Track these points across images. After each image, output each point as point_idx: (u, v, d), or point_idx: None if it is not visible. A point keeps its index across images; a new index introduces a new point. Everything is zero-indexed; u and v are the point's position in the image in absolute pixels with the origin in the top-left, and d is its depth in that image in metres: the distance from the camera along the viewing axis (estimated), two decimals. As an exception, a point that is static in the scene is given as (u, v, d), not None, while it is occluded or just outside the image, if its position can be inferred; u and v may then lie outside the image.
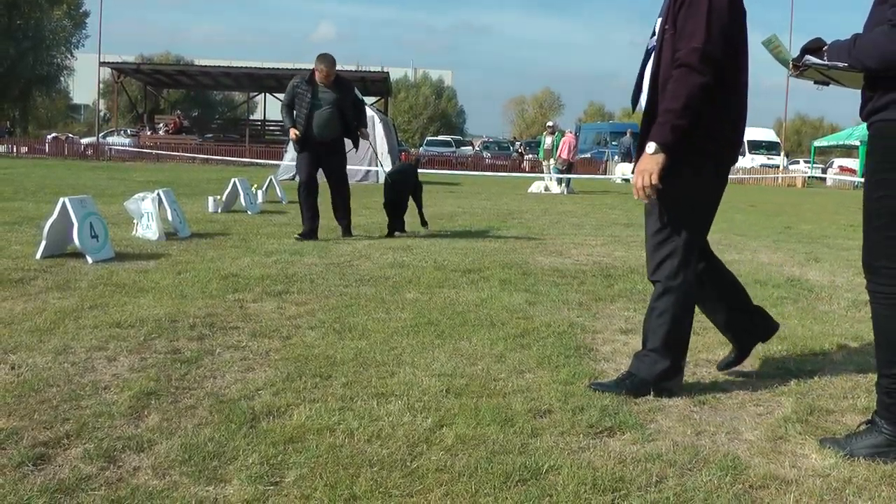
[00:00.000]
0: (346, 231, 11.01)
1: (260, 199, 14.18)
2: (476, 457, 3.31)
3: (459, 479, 3.09)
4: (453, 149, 55.72)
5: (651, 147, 3.99)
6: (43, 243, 8.01)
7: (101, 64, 49.39)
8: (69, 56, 64.58)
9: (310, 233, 10.48)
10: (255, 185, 14.52)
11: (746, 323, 4.63)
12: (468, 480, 3.08)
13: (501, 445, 3.45)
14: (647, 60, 4.33)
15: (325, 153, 10.71)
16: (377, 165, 26.59)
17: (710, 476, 3.21)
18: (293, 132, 10.57)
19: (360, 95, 11.35)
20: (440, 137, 63.58)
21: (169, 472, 3.09)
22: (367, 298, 6.45)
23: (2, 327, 5.21)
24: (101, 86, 57.99)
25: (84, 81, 72.18)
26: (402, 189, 11.19)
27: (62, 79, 66.82)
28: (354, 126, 10.93)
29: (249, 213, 13.37)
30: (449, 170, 38.72)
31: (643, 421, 3.84)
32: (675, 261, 4.21)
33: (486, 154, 54.39)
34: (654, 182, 4.00)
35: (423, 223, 11.75)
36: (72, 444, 3.37)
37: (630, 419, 3.82)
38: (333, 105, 10.59)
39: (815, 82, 3.93)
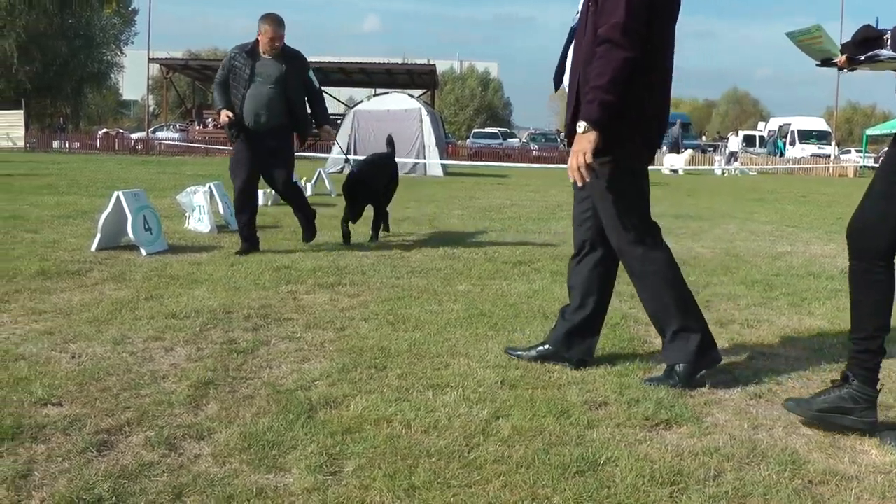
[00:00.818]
0: (311, 234, 8.96)
1: (309, 192, 14.23)
2: (533, 448, 3.30)
3: (517, 471, 3.09)
4: (500, 141, 55.61)
5: (581, 126, 3.96)
6: (98, 236, 8.13)
7: (151, 60, 49.93)
8: (119, 53, 65.40)
9: (247, 250, 8.25)
10: (304, 178, 14.58)
11: (583, 331, 4.53)
12: (526, 472, 3.08)
13: (558, 437, 3.44)
14: (571, 40, 4.31)
15: (261, 149, 8.30)
16: (424, 157, 26.55)
17: (769, 471, 3.17)
18: (224, 114, 8.16)
19: (316, 82, 8.76)
20: (487, 129, 63.40)
21: (229, 460, 3.12)
22: (419, 290, 6.46)
23: (61, 317, 5.30)
24: (150, 82, 58.65)
25: (133, 77, 72.97)
26: (367, 185, 9.00)
27: (112, 75, 67.72)
28: (303, 115, 8.51)
29: (299, 205, 13.40)
30: (496, 162, 38.61)
31: (699, 414, 3.80)
32: (642, 247, 4.24)
33: (533, 146, 54.17)
34: (588, 161, 3.97)
35: (377, 231, 9.43)
36: (133, 431, 3.42)
37: (686, 412, 3.78)
38: (277, 84, 8.20)
39: (840, 68, 3.82)
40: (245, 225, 8.29)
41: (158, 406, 3.69)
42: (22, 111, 44.11)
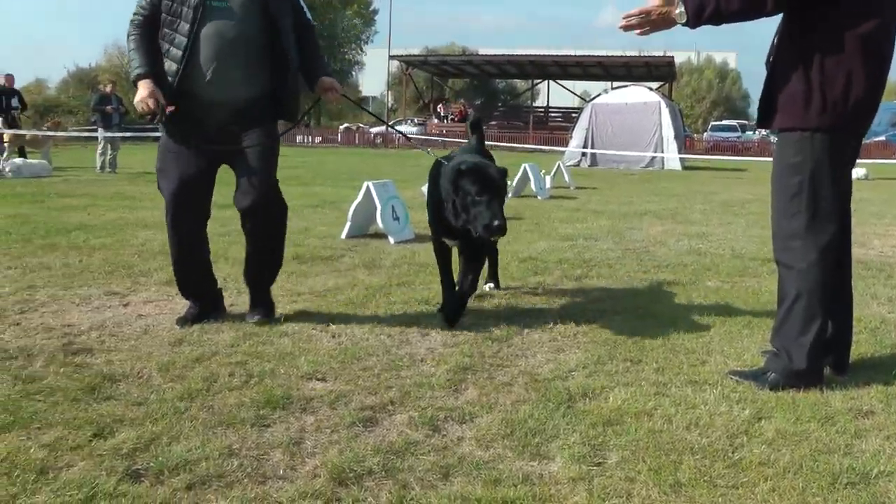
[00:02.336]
0: (264, 309, 4.98)
1: (548, 185, 14.24)
2: (799, 454, 3.13)
3: (785, 476, 2.93)
4: (739, 134, 53.53)
5: (678, 9, 3.75)
6: (348, 224, 8.44)
7: (391, 57, 51.65)
8: (359, 52, 67.91)
9: (197, 315, 4.89)
10: (543, 171, 14.62)
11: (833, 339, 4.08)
12: (794, 477, 2.92)
13: (825, 444, 3.24)
14: None
15: (218, 142, 4.69)
16: (662, 151, 26.03)
17: None
18: (146, 89, 4.48)
19: (307, 13, 5.09)
20: (725, 122, 61.08)
21: (492, 445, 3.13)
22: (668, 285, 6.29)
23: (318, 299, 5.53)
24: (389, 78, 60.63)
25: (372, 74, 75.57)
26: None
27: (353, 73, 70.37)
28: (293, 79, 4.85)
29: (539, 198, 13.47)
30: (734, 156, 37.32)
31: (977, 430, 3.47)
32: (800, 241, 3.88)
33: (772, 139, 51.80)
34: (652, 12, 3.82)
35: (493, 278, 6.08)
36: (396, 410, 3.52)
37: (962, 426, 3.46)
38: (249, 17, 4.64)
39: None
40: (185, 266, 4.90)
41: (419, 388, 3.77)
42: (268, 108, 46.59)
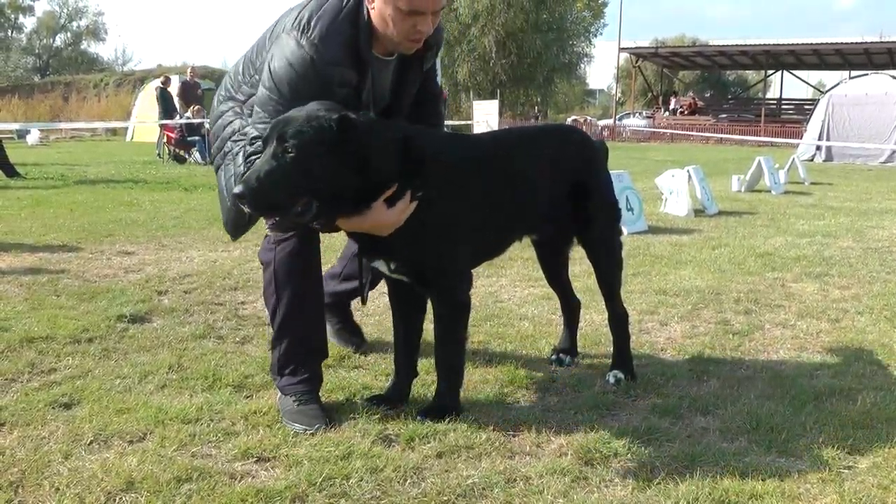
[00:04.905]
0: None
1: (783, 180, 13.73)
2: None
3: None
4: None
5: None
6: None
7: (621, 49, 51.04)
8: (588, 44, 67.57)
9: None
10: (777, 165, 14.10)
11: None
12: None
13: None
14: None
15: None
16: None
17: None
18: None
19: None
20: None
21: (737, 438, 3.12)
22: (917, 288, 5.96)
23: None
24: (618, 70, 60.06)
25: (599, 67, 75.06)
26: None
27: (581, 66, 70.08)
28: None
29: (773, 192, 12.99)
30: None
31: None
32: None
33: None
34: None
35: (566, 348, 4.08)
36: (639, 396, 3.58)
37: None
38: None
39: None
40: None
41: (661, 376, 3.79)
42: (497, 101, 47.14)
